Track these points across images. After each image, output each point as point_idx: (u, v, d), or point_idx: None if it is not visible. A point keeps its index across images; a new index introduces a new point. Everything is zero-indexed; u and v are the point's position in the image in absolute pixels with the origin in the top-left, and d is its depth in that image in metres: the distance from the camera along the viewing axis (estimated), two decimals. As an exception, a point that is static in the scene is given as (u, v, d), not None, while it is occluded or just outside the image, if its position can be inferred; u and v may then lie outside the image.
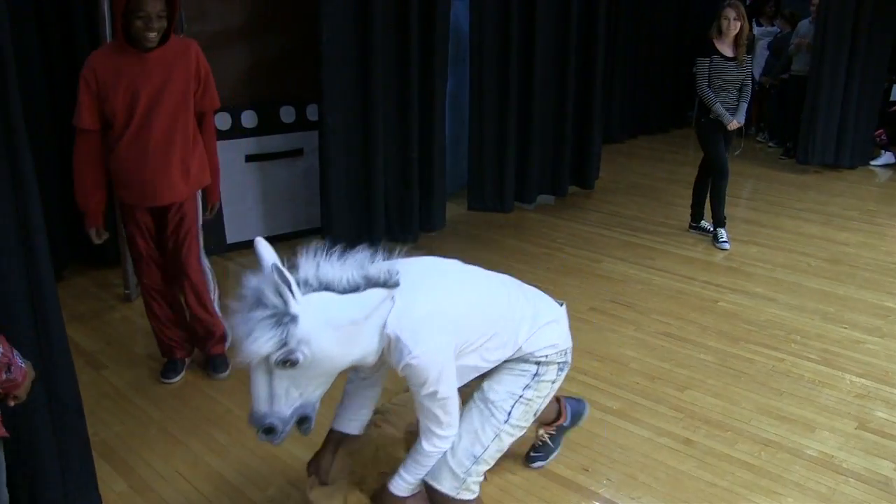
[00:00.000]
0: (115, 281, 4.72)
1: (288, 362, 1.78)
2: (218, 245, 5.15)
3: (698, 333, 4.15)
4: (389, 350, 1.94)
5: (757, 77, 9.35)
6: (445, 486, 2.12)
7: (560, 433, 2.95)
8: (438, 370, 1.93)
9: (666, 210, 6.49)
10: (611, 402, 3.47)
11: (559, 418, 2.91)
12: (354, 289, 1.86)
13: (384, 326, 1.91)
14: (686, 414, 3.37)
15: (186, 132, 3.21)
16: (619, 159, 8.35)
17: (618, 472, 2.97)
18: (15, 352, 1.80)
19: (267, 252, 1.86)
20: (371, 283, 1.88)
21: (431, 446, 2.10)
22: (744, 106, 5.50)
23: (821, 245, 5.63)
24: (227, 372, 3.67)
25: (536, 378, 2.19)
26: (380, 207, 5.36)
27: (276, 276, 1.75)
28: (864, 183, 7.61)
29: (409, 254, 2.09)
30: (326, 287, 1.84)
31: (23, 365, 1.81)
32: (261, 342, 1.74)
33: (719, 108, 5.40)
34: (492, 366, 2.18)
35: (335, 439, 2.31)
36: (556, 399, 2.88)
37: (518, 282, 2.39)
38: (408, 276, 1.97)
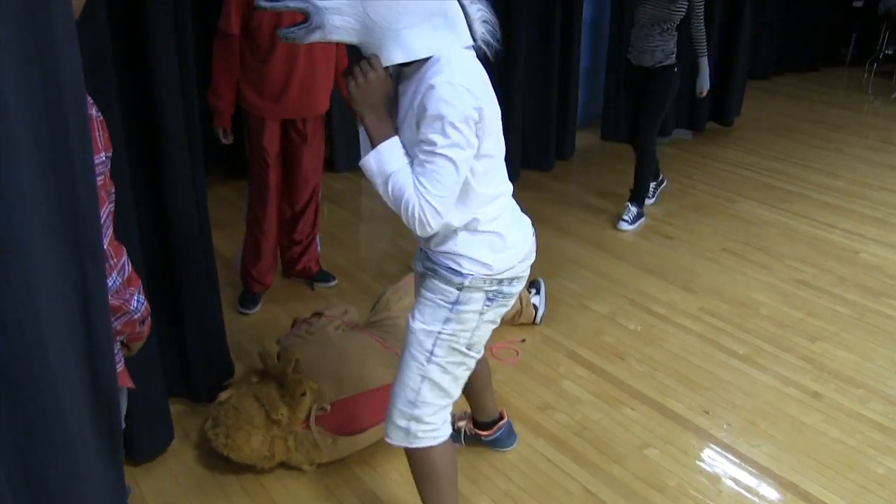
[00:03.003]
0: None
1: None
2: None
3: (835, 284, 3.97)
4: (422, 72, 1.72)
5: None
6: (397, 440, 2.05)
7: (471, 438, 2.70)
8: (452, 112, 1.66)
9: (808, 153, 6.13)
10: (736, 346, 3.39)
11: (489, 429, 2.67)
12: None
13: (434, 54, 1.72)
14: (815, 366, 3.25)
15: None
16: (762, 96, 7.91)
17: (739, 418, 2.93)
18: None
19: None
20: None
21: (413, 191, 1.73)
22: (703, 70, 4.40)
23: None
24: (336, 280, 3.84)
25: (456, 308, 1.90)
26: (518, 132, 5.33)
27: None
28: None
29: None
30: None
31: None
32: None
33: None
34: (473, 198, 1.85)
35: None
36: (501, 415, 2.69)
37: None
38: None
